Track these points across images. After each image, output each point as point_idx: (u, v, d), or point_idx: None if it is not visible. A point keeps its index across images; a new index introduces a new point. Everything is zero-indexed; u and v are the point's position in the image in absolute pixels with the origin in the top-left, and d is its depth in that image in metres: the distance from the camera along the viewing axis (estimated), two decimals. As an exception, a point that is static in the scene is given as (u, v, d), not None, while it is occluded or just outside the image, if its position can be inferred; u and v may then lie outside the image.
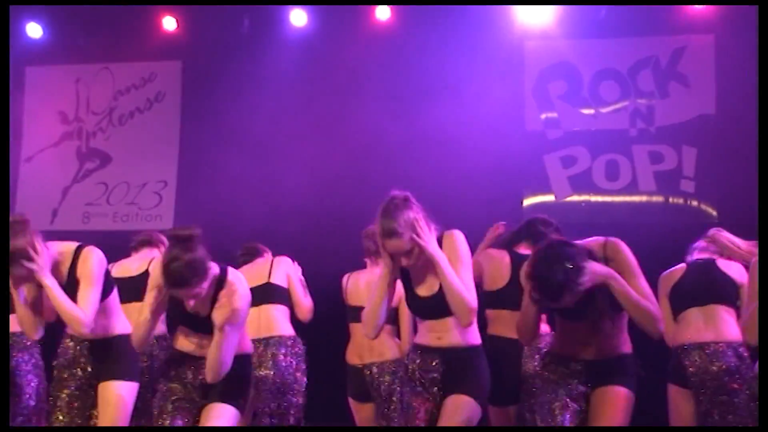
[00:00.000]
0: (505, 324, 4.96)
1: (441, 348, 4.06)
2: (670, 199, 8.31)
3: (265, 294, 5.42)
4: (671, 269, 4.93)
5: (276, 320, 5.43)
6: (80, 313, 4.28)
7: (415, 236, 3.92)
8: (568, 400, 3.94)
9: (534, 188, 8.57)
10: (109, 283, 4.56)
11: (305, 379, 5.42)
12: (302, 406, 5.40)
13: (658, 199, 8.32)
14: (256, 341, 5.35)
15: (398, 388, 4.24)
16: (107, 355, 4.54)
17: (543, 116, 8.79)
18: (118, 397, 4.49)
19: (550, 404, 3.94)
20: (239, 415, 4.11)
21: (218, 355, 3.98)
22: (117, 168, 9.52)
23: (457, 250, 3.99)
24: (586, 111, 8.66)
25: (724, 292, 4.68)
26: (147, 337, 4.12)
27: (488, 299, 5.26)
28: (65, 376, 4.60)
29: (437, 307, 4.02)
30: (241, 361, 4.18)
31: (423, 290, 4.07)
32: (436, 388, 4.07)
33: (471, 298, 3.91)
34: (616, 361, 3.95)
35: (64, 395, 4.56)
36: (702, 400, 4.57)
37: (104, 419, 4.48)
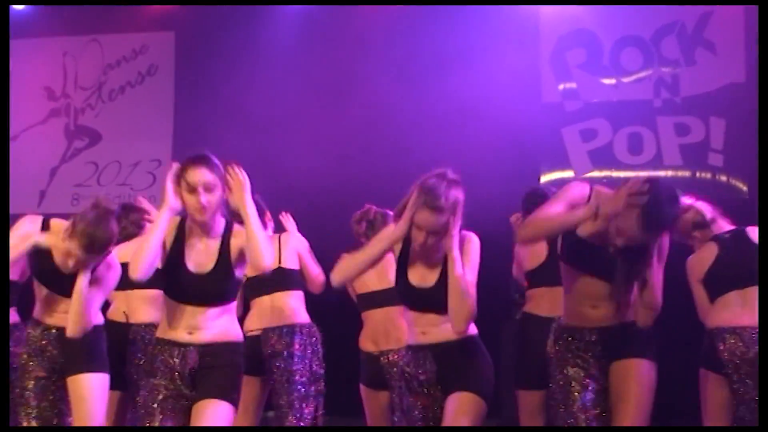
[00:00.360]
0: (542, 302, 5.12)
1: (430, 344, 4.05)
2: (698, 174, 8.28)
3: (277, 281, 5.40)
4: (700, 252, 4.87)
5: (290, 308, 5.42)
6: (89, 322, 4.48)
7: (452, 221, 3.92)
8: (587, 380, 3.92)
9: (552, 164, 8.55)
10: None
11: (322, 370, 5.42)
12: (321, 397, 5.40)
13: (684, 174, 8.30)
14: (270, 330, 5.34)
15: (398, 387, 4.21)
16: (75, 345, 4.53)
17: (561, 87, 8.74)
18: (90, 391, 4.49)
19: (569, 386, 3.93)
20: (234, 410, 4.09)
21: (256, 235, 3.94)
22: (107, 146, 9.52)
23: (470, 255, 4.00)
24: (607, 81, 8.62)
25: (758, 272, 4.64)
26: (152, 262, 3.97)
27: (528, 279, 5.47)
28: (31, 365, 4.60)
29: (429, 301, 4.02)
30: (233, 349, 4.14)
31: (417, 279, 4.06)
32: (432, 388, 4.06)
33: (473, 306, 3.93)
34: (632, 327, 3.92)
35: (30, 386, 4.57)
36: (737, 387, 4.56)
37: (79, 415, 4.47)
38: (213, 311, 4.08)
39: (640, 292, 3.84)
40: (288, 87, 8.90)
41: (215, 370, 4.04)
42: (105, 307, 5.49)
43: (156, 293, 5.38)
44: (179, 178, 4.03)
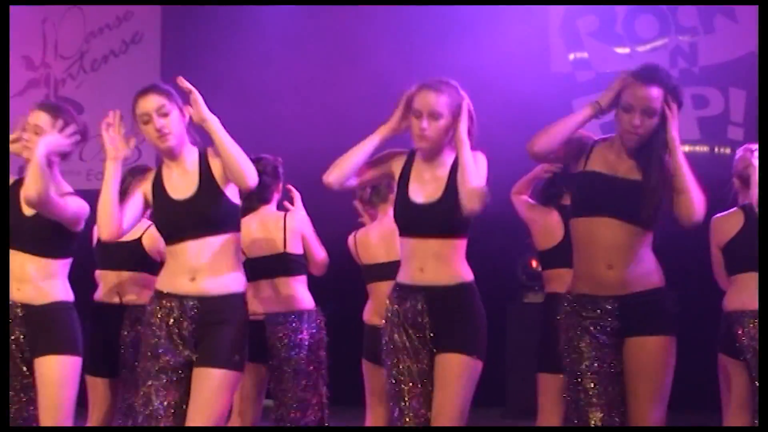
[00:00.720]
0: (565, 280, 5.08)
1: (424, 286, 3.98)
2: (716, 149, 8.28)
3: (280, 265, 5.38)
4: (727, 215, 4.83)
5: (296, 293, 5.40)
6: (47, 190, 4.27)
7: (459, 105, 4.01)
8: (597, 365, 3.82)
9: (561, 138, 8.53)
10: (70, 244, 4.52)
11: (326, 359, 5.42)
12: (326, 386, 5.40)
13: (702, 149, 8.29)
14: (274, 316, 5.33)
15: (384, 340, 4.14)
16: (43, 324, 4.38)
17: (571, 56, 8.73)
18: (58, 374, 4.31)
19: (579, 374, 3.86)
20: (239, 376, 4.03)
21: (228, 148, 4.00)
22: (90, 119, 9.45)
23: (478, 166, 4.01)
24: (620, 50, 8.60)
25: None
26: (113, 217, 4.02)
27: (543, 259, 5.45)
28: None
29: (432, 218, 3.98)
30: (238, 302, 4.09)
31: (420, 196, 4.03)
32: (421, 336, 3.99)
33: (485, 192, 3.94)
34: (651, 296, 3.85)
35: None
36: (755, 374, 4.55)
37: (44, 402, 4.31)
38: (213, 246, 4.01)
39: (673, 179, 3.80)
40: (282, 56, 8.87)
41: (218, 328, 3.98)
42: (92, 289, 5.50)
43: (148, 277, 5.38)
44: (134, 117, 4.08)
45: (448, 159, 4.07)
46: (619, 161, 3.91)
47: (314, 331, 5.35)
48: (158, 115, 4.04)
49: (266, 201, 5.47)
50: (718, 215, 4.82)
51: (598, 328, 3.87)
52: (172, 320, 4.01)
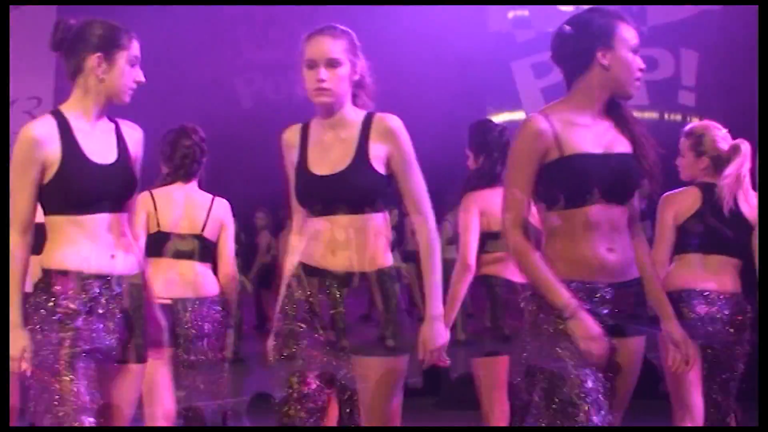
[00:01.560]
0: (505, 265, 5.03)
1: (336, 273, 3.73)
2: (666, 116, 8.34)
3: (195, 248, 5.35)
4: (683, 192, 4.84)
5: (206, 278, 5.39)
6: None
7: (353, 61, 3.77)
8: (585, 368, 3.56)
9: (499, 103, 8.55)
10: None
11: (229, 351, 5.40)
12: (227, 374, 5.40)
13: (651, 115, 8.34)
14: (181, 301, 5.28)
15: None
16: None
17: (510, 14, 8.72)
18: None
19: (564, 376, 3.53)
20: (143, 367, 3.87)
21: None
22: (-23, 79, 9.33)
23: (402, 147, 3.74)
24: (563, 8, 8.61)
25: (735, 244, 4.72)
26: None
27: (485, 241, 5.23)
28: None
29: (339, 193, 3.71)
30: (142, 283, 3.91)
31: (322, 166, 3.74)
32: (335, 332, 3.73)
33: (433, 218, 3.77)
34: (638, 286, 3.58)
35: None
36: (722, 357, 4.66)
37: None
38: (122, 221, 3.83)
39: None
40: (194, 11, 8.78)
41: (134, 315, 3.84)
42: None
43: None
44: (106, 43, 3.79)
45: (353, 117, 3.79)
46: (599, 129, 3.53)
47: (225, 318, 5.34)
48: (137, 65, 3.84)
49: (194, 175, 5.42)
50: (671, 192, 4.85)
51: (596, 313, 3.47)
52: (97, 306, 3.88)
